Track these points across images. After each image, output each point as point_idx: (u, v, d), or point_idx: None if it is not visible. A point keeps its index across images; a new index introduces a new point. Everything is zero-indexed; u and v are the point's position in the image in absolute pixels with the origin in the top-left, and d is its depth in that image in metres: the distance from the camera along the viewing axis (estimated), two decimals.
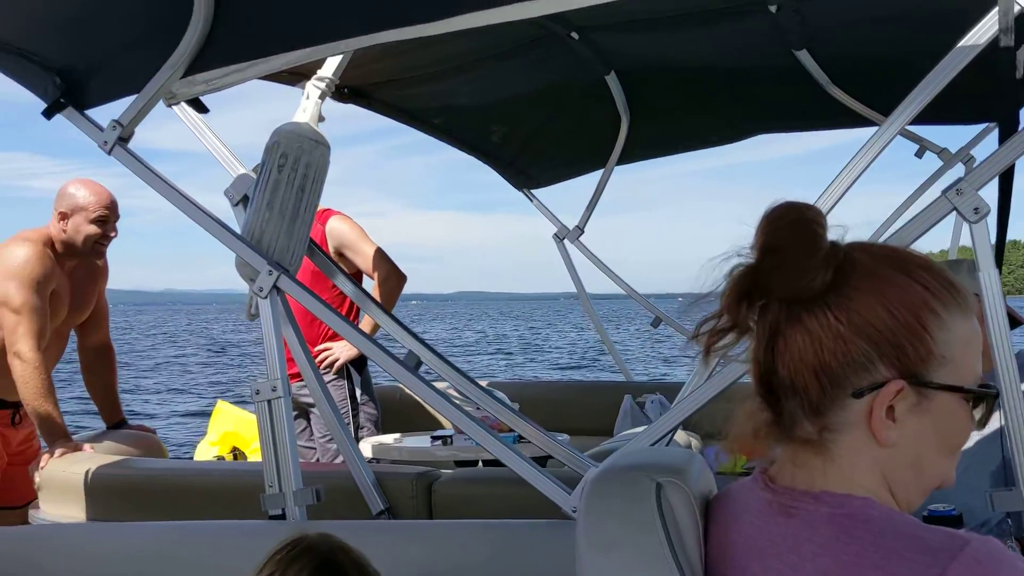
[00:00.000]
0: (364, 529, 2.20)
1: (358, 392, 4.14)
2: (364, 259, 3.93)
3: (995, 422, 1.85)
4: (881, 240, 2.00)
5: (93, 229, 3.38)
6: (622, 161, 4.64)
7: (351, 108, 4.00)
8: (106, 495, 2.85)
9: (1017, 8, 1.99)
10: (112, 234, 3.46)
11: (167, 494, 2.83)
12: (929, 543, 1.00)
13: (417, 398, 4.57)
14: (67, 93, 2.48)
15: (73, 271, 3.50)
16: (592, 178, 4.89)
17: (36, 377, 3.17)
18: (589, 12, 3.45)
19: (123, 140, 2.42)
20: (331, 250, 3.89)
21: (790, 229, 1.09)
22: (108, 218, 3.42)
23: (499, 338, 43.00)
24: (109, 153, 2.42)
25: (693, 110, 4.39)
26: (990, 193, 2.03)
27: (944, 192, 1.99)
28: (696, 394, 2.12)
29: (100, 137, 2.42)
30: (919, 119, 4.13)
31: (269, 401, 2.27)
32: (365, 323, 3.72)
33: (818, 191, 2.24)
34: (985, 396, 1.09)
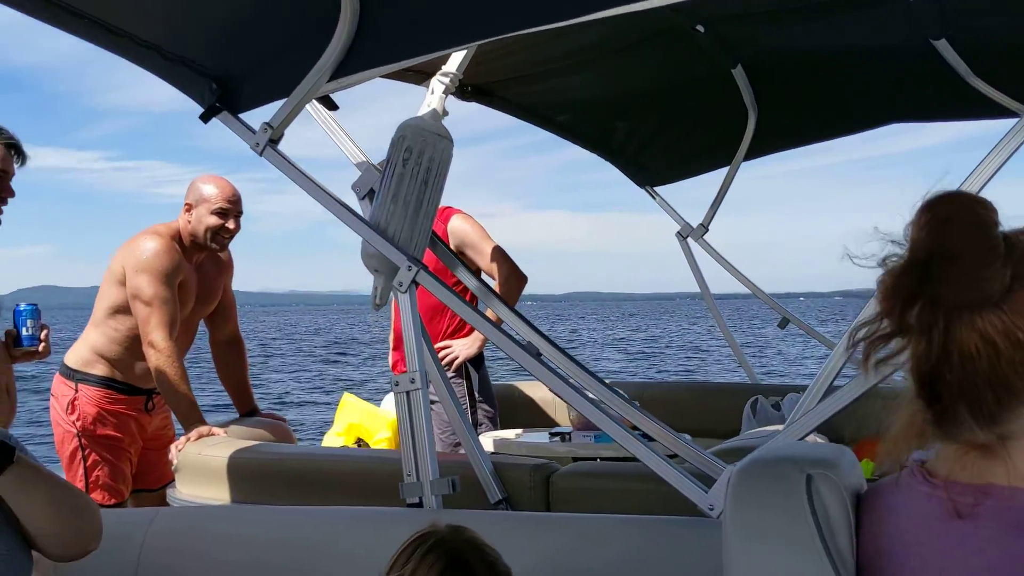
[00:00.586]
0: (495, 520, 2.21)
1: (476, 390, 4.20)
2: (485, 259, 3.96)
3: None
4: None
5: (214, 220, 3.52)
6: (749, 156, 4.54)
7: (468, 110, 4.06)
8: (241, 478, 2.97)
9: None
10: (231, 225, 3.57)
11: (299, 478, 2.92)
12: None
13: (532, 397, 4.66)
14: (222, 98, 2.61)
15: (201, 264, 3.66)
16: (712, 175, 4.82)
17: (170, 365, 3.32)
18: (715, 3, 3.40)
19: (273, 142, 2.53)
20: (452, 249, 3.94)
21: (966, 234, 1.02)
22: (229, 211, 3.54)
23: (616, 340, 42.77)
24: (260, 154, 2.53)
25: (823, 101, 4.26)
26: None
27: None
28: (838, 395, 2.06)
29: (252, 139, 2.53)
30: None
31: (408, 392, 2.33)
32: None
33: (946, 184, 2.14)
34: None
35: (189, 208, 3.54)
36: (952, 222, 1.03)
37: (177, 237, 3.54)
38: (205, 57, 2.61)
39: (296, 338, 48.22)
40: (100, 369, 3.53)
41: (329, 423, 5.46)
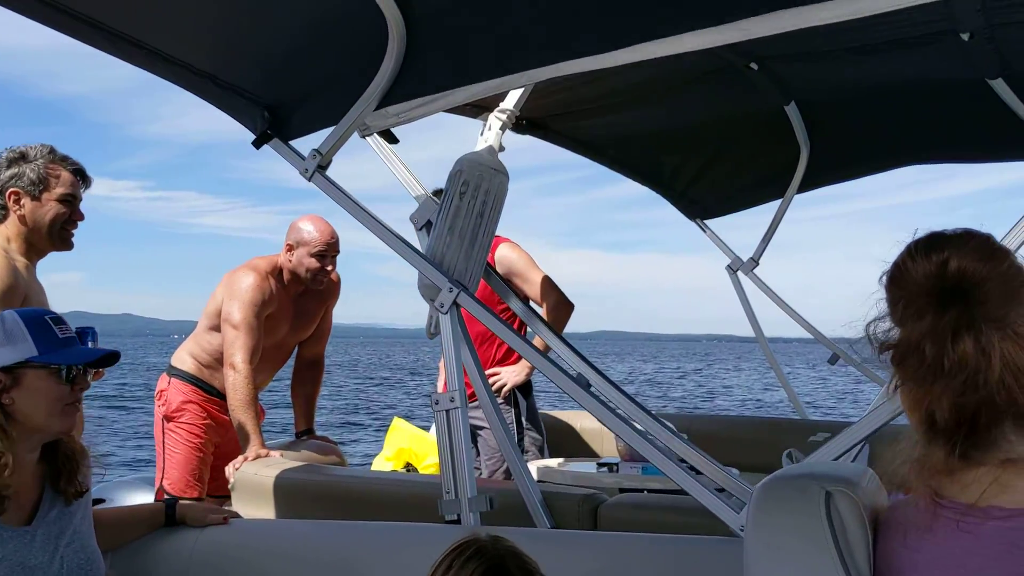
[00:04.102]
0: (533, 537, 2.25)
1: (523, 418, 4.23)
2: (532, 287, 4.02)
3: None
4: None
5: (313, 263, 3.78)
6: (801, 190, 4.56)
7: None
8: (294, 498, 3.05)
9: None
10: (329, 268, 3.82)
11: (348, 499, 2.99)
12: None
13: (579, 427, 4.68)
14: (273, 126, 2.70)
15: (300, 295, 3.89)
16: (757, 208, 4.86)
17: (244, 387, 3.55)
18: (769, 42, 3.43)
19: (321, 168, 2.61)
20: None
21: (987, 252, 1.08)
22: (326, 253, 3.79)
23: (652, 382, 42.51)
24: (309, 179, 2.62)
25: (875, 136, 4.27)
26: None
27: None
28: (874, 415, 2.07)
29: (301, 165, 2.62)
30: None
31: (447, 411, 2.39)
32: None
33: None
34: None
35: (290, 248, 3.80)
36: (970, 244, 1.07)
37: (276, 272, 3.81)
38: (257, 86, 2.71)
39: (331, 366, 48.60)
40: (190, 368, 3.88)
41: (378, 448, 5.55)
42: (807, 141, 4.32)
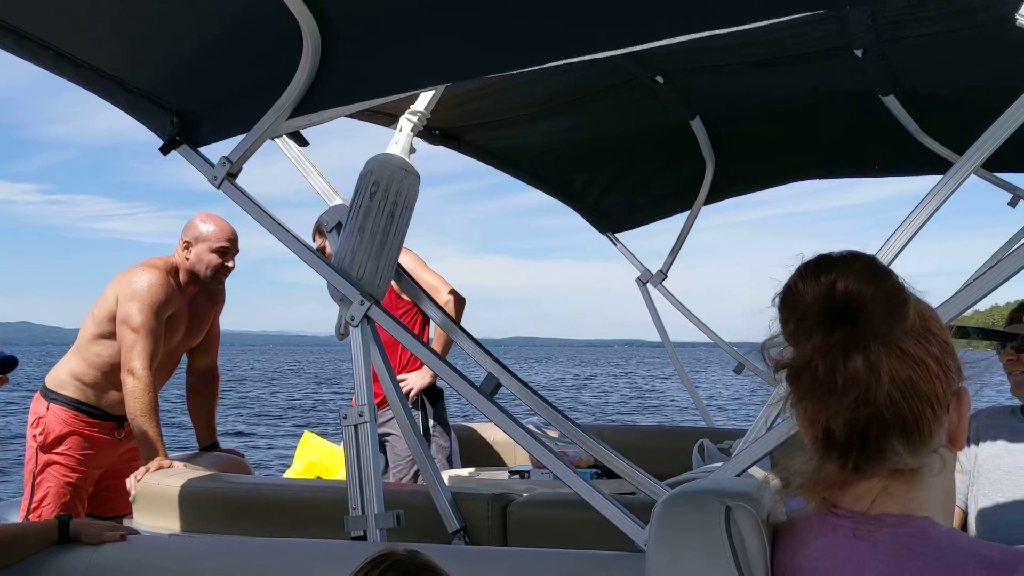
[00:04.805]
0: (442, 553, 2.24)
1: (431, 423, 4.23)
2: (424, 286, 4.03)
3: None
4: (966, 284, 1.97)
5: (214, 259, 3.62)
6: (708, 202, 4.66)
7: (413, 155, 4.14)
8: (197, 507, 2.96)
9: None
10: (230, 264, 3.68)
11: (255, 508, 2.92)
12: (991, 558, 1.04)
13: (495, 438, 4.68)
14: (182, 132, 2.66)
15: (193, 297, 3.72)
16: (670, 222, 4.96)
17: (145, 394, 3.36)
18: (673, 56, 3.52)
19: (231, 176, 2.58)
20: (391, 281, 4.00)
21: (871, 270, 1.12)
22: (228, 250, 3.66)
23: (570, 386, 42.97)
24: (218, 187, 2.57)
25: (777, 151, 4.40)
26: None
27: None
28: (775, 432, 2.12)
29: (211, 172, 2.58)
30: (1011, 166, 4.02)
31: (356, 426, 2.37)
32: (434, 346, 3.87)
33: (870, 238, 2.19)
34: None
35: (187, 246, 3.63)
36: (855, 266, 1.12)
37: (173, 271, 3.63)
38: (166, 91, 2.67)
39: (238, 377, 47.35)
40: (72, 391, 3.60)
41: (288, 462, 5.44)
42: (712, 155, 4.43)
